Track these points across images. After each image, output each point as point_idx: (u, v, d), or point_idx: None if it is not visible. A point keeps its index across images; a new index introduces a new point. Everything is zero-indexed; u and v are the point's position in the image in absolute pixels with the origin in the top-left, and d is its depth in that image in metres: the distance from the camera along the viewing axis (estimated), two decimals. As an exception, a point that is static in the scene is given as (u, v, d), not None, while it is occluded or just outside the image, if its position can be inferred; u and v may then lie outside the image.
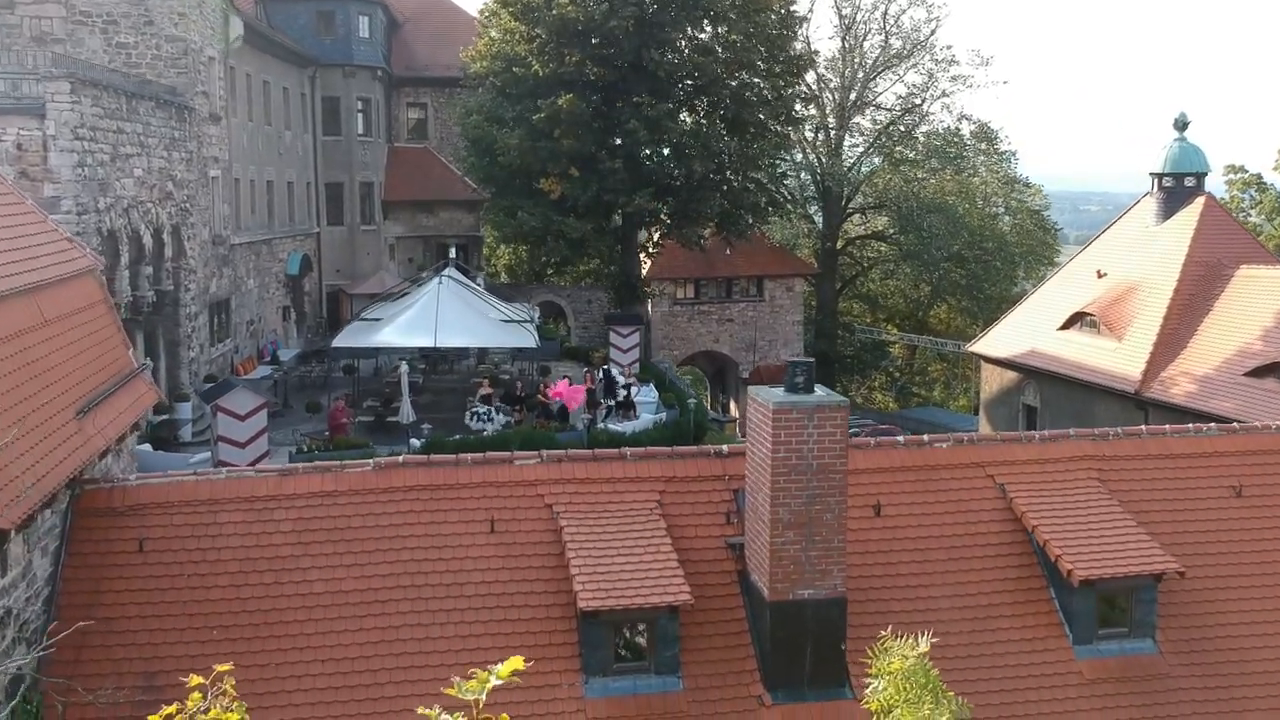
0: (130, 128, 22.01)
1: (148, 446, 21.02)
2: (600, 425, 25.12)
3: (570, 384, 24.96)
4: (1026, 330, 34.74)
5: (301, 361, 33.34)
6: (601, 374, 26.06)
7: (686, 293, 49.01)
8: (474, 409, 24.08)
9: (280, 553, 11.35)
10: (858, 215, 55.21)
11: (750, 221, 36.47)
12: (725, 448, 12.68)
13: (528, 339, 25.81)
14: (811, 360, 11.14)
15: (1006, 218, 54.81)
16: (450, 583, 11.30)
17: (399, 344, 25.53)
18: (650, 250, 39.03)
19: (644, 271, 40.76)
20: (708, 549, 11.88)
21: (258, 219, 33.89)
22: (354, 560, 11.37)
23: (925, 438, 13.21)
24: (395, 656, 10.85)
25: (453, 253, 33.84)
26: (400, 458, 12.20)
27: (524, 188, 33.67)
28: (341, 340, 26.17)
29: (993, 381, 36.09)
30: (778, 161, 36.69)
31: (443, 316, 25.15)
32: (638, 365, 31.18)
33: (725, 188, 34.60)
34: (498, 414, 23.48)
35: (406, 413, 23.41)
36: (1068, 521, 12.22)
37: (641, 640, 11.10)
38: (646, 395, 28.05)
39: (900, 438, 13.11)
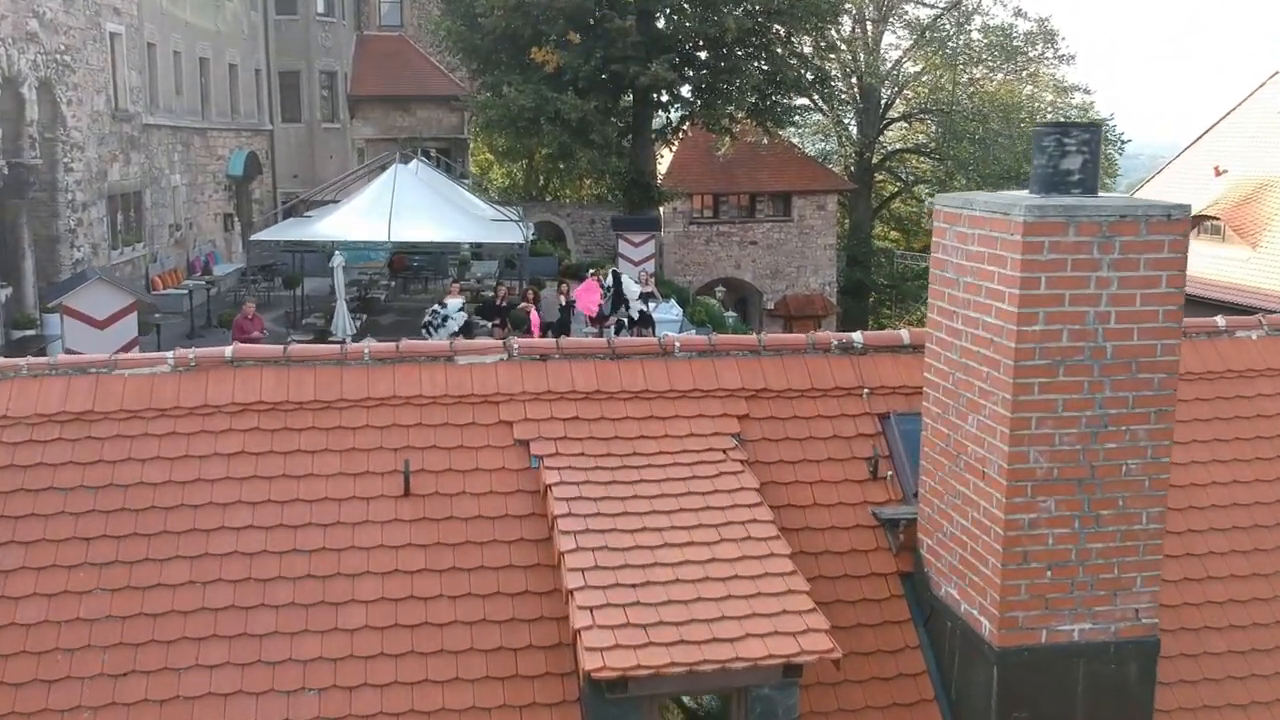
0: (-46, -74, 15.88)
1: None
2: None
3: (565, 292, 18.84)
4: (1122, 242, 28.60)
5: (244, 278, 27.33)
6: (610, 278, 20.13)
7: (704, 211, 42.84)
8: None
9: (-41, 539, 5.46)
10: (897, 126, 48.74)
11: (793, 102, 29.98)
12: (859, 336, 6.70)
13: (514, 235, 19.76)
14: (1096, 124, 5.14)
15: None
16: (314, 602, 5.41)
17: (342, 238, 19.49)
18: (669, 137, 32.52)
19: (660, 167, 34.32)
20: (838, 529, 5.97)
21: (186, 102, 27.66)
22: (116, 553, 5.48)
23: (1220, 321, 7.19)
24: (189, 763, 4.99)
25: (420, 156, 27.35)
26: (227, 349, 6.23)
27: (513, 61, 27.30)
28: (269, 234, 20.14)
29: (1077, 305, 30.03)
30: (827, 28, 30.01)
31: (401, 204, 19.10)
32: (653, 280, 25.11)
33: (765, 54, 28.09)
34: (451, 319, 17.34)
35: (342, 324, 17.31)
36: None
37: (718, 732, 5.26)
38: (668, 312, 22.05)
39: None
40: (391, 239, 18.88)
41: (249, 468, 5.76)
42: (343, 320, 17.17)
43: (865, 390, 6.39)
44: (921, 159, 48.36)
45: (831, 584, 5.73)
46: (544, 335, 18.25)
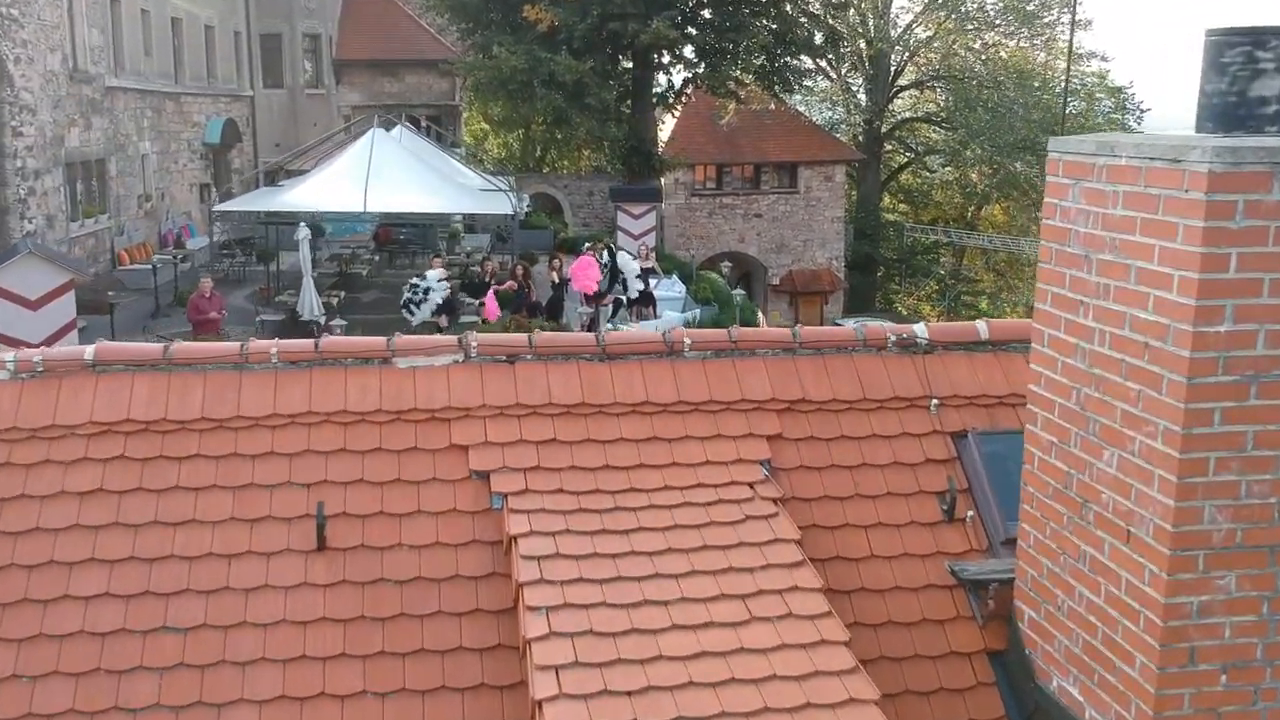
0: None
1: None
2: (607, 326, 17.60)
3: (553, 265, 17.15)
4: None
5: (222, 251, 25.77)
6: (605, 255, 18.57)
7: (707, 182, 41.18)
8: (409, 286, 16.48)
9: None
10: (907, 94, 47.00)
11: (803, 64, 28.25)
12: (922, 328, 5.17)
13: (503, 206, 18.19)
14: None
15: (1077, 102, 46.51)
16: (188, 703, 3.91)
17: (314, 209, 17.90)
18: (670, 102, 30.78)
19: (661, 136, 32.63)
20: (904, 591, 4.47)
21: (157, 65, 25.98)
22: (-85, 636, 3.98)
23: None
24: None
25: (404, 122, 25.68)
26: (88, 349, 4.70)
27: (504, 20, 25.60)
28: (235, 204, 18.59)
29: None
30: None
31: (380, 172, 17.53)
32: (653, 254, 23.54)
33: (773, 11, 26.33)
34: (433, 289, 15.91)
35: (309, 304, 15.70)
36: None
37: None
38: (670, 288, 20.53)
39: None
40: (368, 209, 17.34)
41: (108, 511, 4.25)
42: (310, 299, 15.57)
43: (934, 401, 4.88)
44: (933, 128, 46.67)
45: (897, 668, 4.24)
46: (517, 310, 16.67)
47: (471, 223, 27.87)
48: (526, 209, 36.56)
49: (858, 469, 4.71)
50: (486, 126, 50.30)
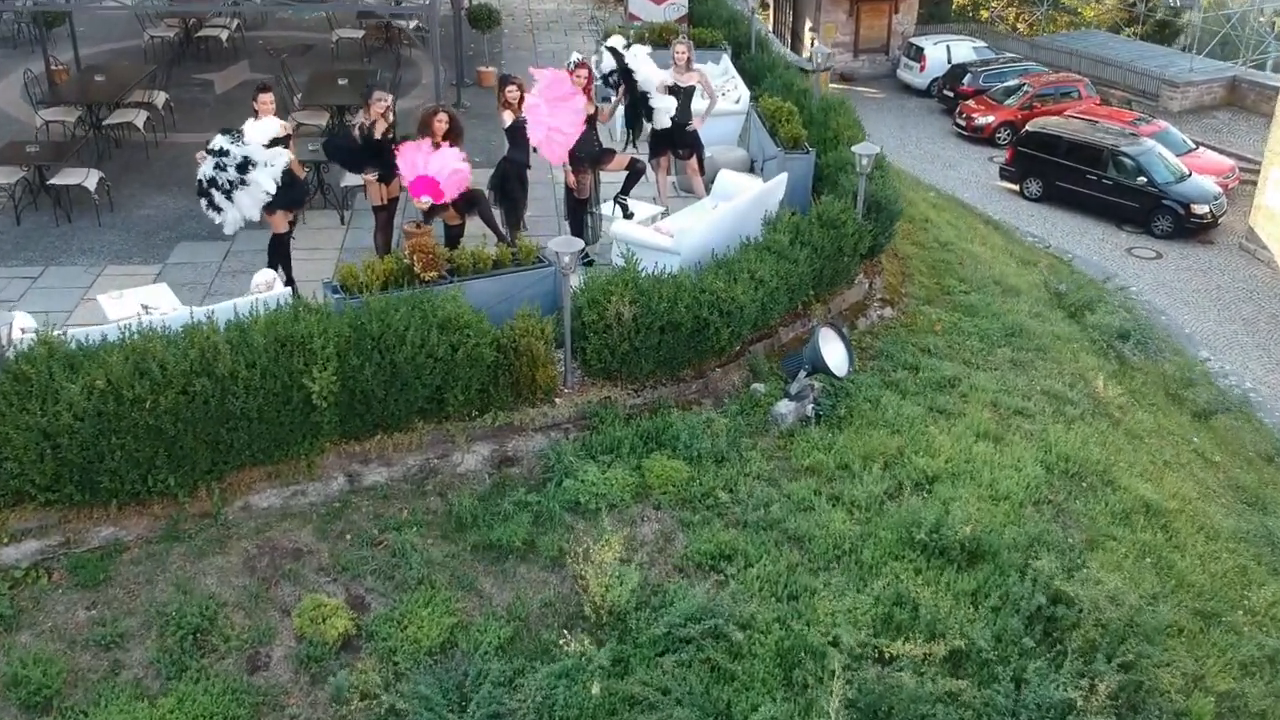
0: None
1: None
2: (610, 214, 9.61)
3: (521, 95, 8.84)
4: None
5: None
6: (606, 58, 10.07)
7: None
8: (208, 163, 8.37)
9: None
10: None
11: None
12: None
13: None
14: None
15: None
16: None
17: None
18: None
19: None
20: None
21: None
22: None
23: None
24: None
25: None
26: None
27: None
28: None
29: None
30: None
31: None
32: (688, 23, 14.73)
33: None
34: (255, 166, 7.99)
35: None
36: None
37: None
38: (722, 80, 12.15)
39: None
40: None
41: None
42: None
43: None
44: None
45: None
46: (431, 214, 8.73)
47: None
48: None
49: None
50: None
